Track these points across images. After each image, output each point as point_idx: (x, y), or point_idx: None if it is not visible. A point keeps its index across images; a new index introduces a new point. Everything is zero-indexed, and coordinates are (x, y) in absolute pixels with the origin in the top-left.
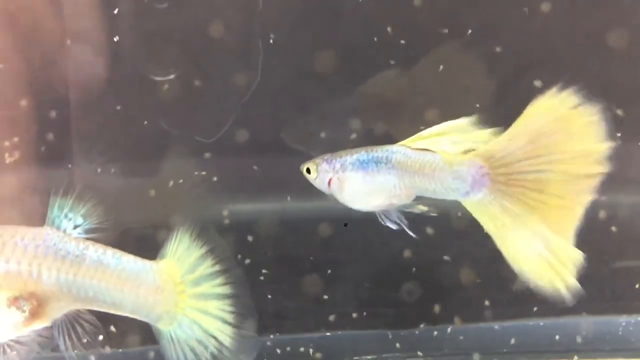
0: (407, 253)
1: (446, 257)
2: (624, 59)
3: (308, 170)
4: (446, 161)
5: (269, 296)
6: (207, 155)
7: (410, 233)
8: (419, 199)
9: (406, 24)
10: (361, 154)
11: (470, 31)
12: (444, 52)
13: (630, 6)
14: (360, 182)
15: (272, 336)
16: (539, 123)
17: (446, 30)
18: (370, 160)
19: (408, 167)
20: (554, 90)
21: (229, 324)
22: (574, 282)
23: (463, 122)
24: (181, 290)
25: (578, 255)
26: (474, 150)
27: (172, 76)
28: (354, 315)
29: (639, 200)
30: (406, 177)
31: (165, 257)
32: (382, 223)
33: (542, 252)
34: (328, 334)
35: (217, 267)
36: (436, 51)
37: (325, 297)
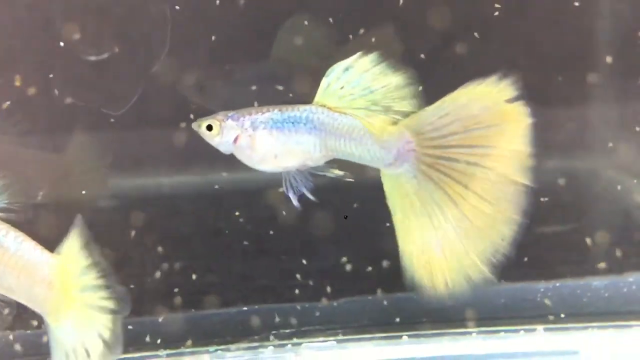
0: (328, 224)
1: (366, 227)
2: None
3: (209, 127)
4: (374, 129)
5: (194, 275)
6: (120, 128)
7: (312, 198)
8: (332, 162)
9: None
10: (274, 112)
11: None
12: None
13: None
14: (275, 142)
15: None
16: (474, 111)
17: None
18: (287, 119)
19: (334, 130)
20: (492, 79)
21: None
22: (461, 290)
23: (364, 61)
24: (69, 291)
25: (479, 269)
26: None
27: (105, 55)
28: (274, 288)
29: (562, 165)
30: (330, 139)
31: (61, 253)
32: (285, 192)
33: (436, 249)
34: (245, 308)
35: (101, 281)
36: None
37: (246, 272)
